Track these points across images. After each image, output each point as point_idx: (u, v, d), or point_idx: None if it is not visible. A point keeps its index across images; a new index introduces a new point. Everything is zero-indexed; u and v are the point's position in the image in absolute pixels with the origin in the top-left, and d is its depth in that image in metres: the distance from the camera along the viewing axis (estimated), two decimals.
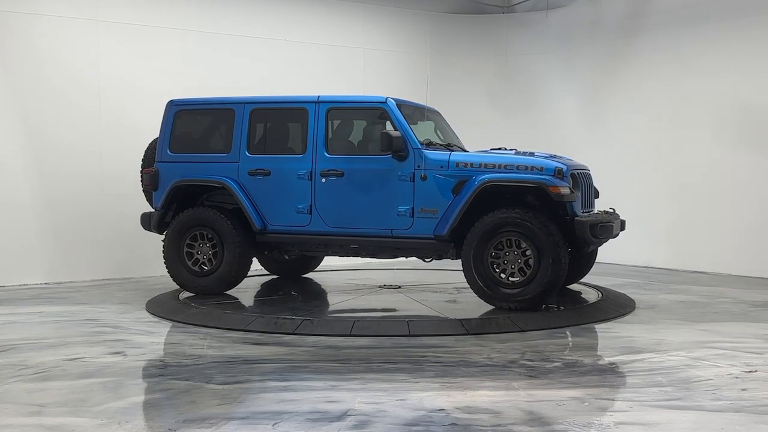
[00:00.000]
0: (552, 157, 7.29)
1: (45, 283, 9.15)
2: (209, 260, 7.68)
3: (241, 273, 7.72)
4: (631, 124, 11.16)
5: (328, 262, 9.97)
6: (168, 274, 7.91)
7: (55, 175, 9.31)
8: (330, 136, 7.46)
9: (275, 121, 7.85)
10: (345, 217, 7.33)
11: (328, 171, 7.31)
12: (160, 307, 7.23)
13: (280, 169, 7.48)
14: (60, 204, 9.32)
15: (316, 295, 8.38)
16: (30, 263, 9.16)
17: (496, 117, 12.33)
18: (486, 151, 7.43)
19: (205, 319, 6.62)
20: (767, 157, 9.54)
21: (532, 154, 7.29)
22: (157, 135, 8.22)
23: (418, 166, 7.08)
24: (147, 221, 8.04)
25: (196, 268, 7.71)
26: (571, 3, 12.00)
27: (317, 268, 9.61)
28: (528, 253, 6.73)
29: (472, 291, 6.94)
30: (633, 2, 11.21)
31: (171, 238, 7.77)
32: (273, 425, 3.85)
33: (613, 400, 4.34)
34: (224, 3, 10.49)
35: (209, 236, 7.66)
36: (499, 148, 7.59)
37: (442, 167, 7.05)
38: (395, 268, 10.18)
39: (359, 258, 8.31)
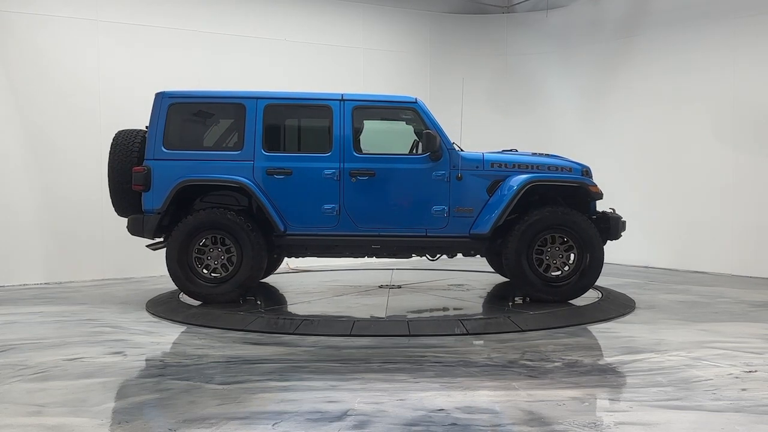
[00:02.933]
0: (554, 158, 7.65)
1: (45, 283, 9.15)
2: (223, 266, 7.18)
3: (258, 277, 7.32)
4: (631, 123, 11.17)
5: (326, 263, 9.97)
6: (175, 283, 7.28)
7: (55, 175, 9.32)
8: (357, 135, 7.28)
9: (294, 118, 7.53)
10: (377, 218, 7.23)
11: (358, 171, 7.16)
12: (160, 307, 7.23)
13: (304, 168, 7.16)
14: (60, 204, 9.33)
15: (324, 296, 8.38)
16: (30, 263, 9.17)
17: (495, 116, 12.35)
18: (501, 152, 7.64)
19: (205, 319, 6.61)
20: (767, 157, 9.54)
21: (548, 155, 7.64)
22: (120, 128, 7.68)
23: (454, 166, 7.20)
24: (139, 225, 7.26)
25: (208, 275, 7.18)
26: (571, 3, 12.00)
27: (313, 269, 9.60)
28: (567, 249, 7.19)
29: (475, 288, 6.97)
30: (633, 2, 11.21)
31: (178, 244, 7.13)
32: (273, 425, 3.84)
33: (613, 400, 4.34)
34: (224, 3, 10.50)
35: (223, 240, 7.15)
36: (511, 150, 7.85)
37: (477, 167, 7.25)
38: (393, 268, 10.18)
39: (347, 258, 8.09)
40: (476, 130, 11.27)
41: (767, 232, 9.55)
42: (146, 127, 7.41)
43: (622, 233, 7.48)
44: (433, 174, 7.19)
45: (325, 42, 11.27)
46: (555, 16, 12.22)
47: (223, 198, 7.44)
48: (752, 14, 9.69)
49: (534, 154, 7.64)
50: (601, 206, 8.00)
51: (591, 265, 7.18)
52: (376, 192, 7.19)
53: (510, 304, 7.41)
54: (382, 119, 7.76)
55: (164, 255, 7.75)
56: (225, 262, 7.19)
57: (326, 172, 7.15)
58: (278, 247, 7.36)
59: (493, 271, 9.12)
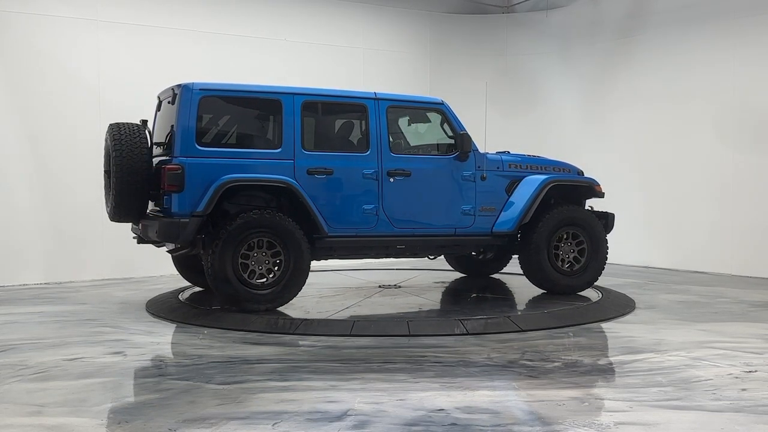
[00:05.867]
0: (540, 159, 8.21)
1: (45, 283, 9.15)
2: (268, 271, 6.71)
3: (304, 282, 6.90)
4: (631, 123, 11.17)
5: (326, 263, 9.94)
6: (217, 291, 6.67)
7: (55, 175, 9.32)
8: (392, 134, 7.28)
9: (329, 116, 7.35)
10: (413, 218, 7.29)
11: (395, 171, 7.16)
12: (160, 307, 7.22)
13: (344, 168, 7.00)
14: (60, 204, 9.33)
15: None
16: (30, 263, 9.16)
17: (495, 117, 12.32)
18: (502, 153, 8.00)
19: (205, 319, 6.61)
20: (767, 157, 9.54)
21: (536, 157, 8.08)
22: (113, 121, 7.14)
23: (479, 167, 7.48)
24: (174, 230, 6.48)
25: (254, 281, 6.67)
26: (571, 3, 12.00)
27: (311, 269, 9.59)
28: (578, 244, 7.72)
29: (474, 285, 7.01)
30: (633, 2, 11.21)
31: (224, 250, 6.50)
32: (273, 425, 3.84)
33: (613, 400, 4.33)
34: (224, 3, 10.50)
35: (268, 244, 6.69)
36: (504, 152, 8.07)
37: (498, 168, 7.63)
38: (392, 268, 10.16)
39: (341, 259, 7.89)
40: (475, 130, 11.26)
41: (767, 232, 9.55)
42: (141, 121, 7.09)
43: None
44: (461, 174, 7.43)
45: (325, 42, 11.27)
46: (555, 16, 12.21)
47: (250, 199, 6.90)
48: (752, 14, 9.68)
49: (530, 156, 8.03)
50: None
51: (599, 259, 7.75)
52: (412, 192, 7.26)
53: (469, 298, 7.93)
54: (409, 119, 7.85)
55: (166, 257, 7.75)
56: (270, 267, 6.72)
57: (366, 171, 7.08)
58: (318, 249, 7.03)
59: (452, 269, 9.50)
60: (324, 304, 7.27)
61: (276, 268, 6.74)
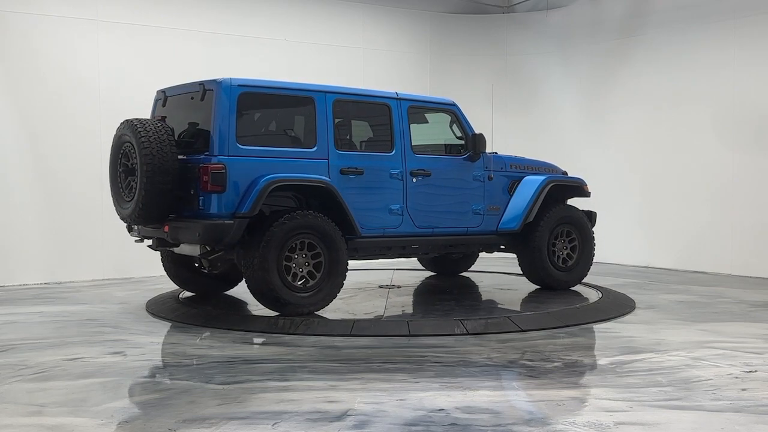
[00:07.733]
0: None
1: (45, 283, 9.15)
2: (309, 273, 6.53)
3: (342, 284, 6.78)
4: (631, 123, 11.17)
5: None
6: (262, 297, 6.45)
7: (55, 175, 9.31)
8: (413, 134, 7.31)
9: (356, 115, 7.37)
10: (431, 217, 7.39)
11: (417, 171, 7.24)
12: (160, 307, 7.22)
13: (374, 167, 7.00)
14: (60, 204, 9.32)
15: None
16: (30, 263, 9.16)
17: (495, 117, 12.32)
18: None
19: (205, 319, 6.61)
20: (767, 157, 9.54)
21: (519, 158, 8.37)
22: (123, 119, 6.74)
23: (486, 167, 7.66)
24: (218, 233, 6.20)
25: (297, 284, 6.47)
26: (571, 3, 12.00)
27: None
28: (571, 241, 8.05)
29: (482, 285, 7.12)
30: (633, 2, 11.21)
31: (269, 252, 6.27)
32: (273, 425, 3.84)
33: (613, 400, 4.33)
34: (224, 3, 10.50)
35: (310, 245, 6.51)
36: (494, 153, 8.17)
37: (502, 168, 7.85)
38: (367, 269, 10.08)
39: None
40: (478, 131, 11.26)
41: (767, 232, 9.54)
42: (160, 117, 6.71)
43: None
44: (472, 174, 7.61)
45: (325, 42, 11.27)
46: (555, 16, 12.21)
47: (279, 200, 6.72)
48: (752, 14, 9.68)
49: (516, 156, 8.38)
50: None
51: (588, 255, 8.14)
52: (433, 192, 7.38)
53: (451, 291, 8.27)
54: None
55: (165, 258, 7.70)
56: (311, 269, 6.54)
57: (393, 171, 7.12)
58: (348, 250, 6.83)
59: (423, 268, 9.70)
60: (358, 306, 7.22)
61: (314, 270, 6.57)
